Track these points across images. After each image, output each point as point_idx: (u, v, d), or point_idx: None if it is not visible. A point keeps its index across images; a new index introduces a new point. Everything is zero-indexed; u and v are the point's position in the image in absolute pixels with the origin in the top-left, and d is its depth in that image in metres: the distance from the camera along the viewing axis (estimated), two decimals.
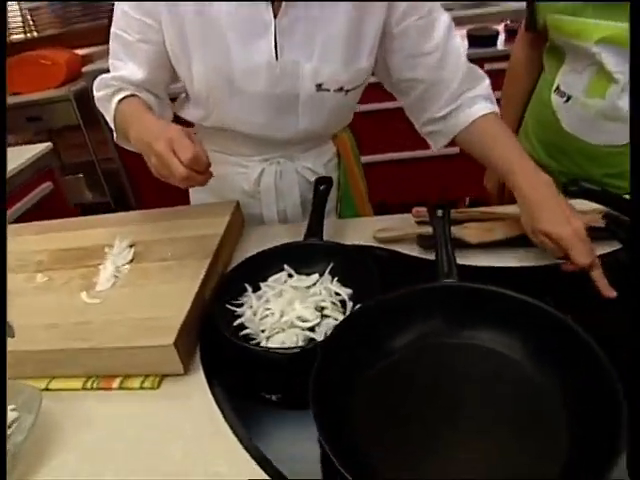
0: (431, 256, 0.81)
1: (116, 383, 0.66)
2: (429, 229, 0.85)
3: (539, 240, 0.72)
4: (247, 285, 0.78)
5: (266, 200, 1.00)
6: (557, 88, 0.98)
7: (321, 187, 0.92)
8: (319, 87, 0.83)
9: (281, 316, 0.70)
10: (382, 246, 0.87)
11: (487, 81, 0.89)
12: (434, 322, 0.63)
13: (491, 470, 0.50)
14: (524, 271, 0.76)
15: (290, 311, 0.71)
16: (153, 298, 0.72)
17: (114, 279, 0.78)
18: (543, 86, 1.05)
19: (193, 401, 0.63)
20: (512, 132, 0.91)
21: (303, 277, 0.79)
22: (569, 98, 0.95)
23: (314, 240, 0.82)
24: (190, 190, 1.14)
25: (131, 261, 0.82)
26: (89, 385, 0.66)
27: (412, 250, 0.85)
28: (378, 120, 2.12)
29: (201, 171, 0.64)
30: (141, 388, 0.65)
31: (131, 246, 0.86)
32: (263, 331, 0.69)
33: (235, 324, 0.71)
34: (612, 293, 0.66)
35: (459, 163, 2.73)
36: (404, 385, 0.60)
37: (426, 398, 0.58)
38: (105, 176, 2.64)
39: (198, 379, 0.66)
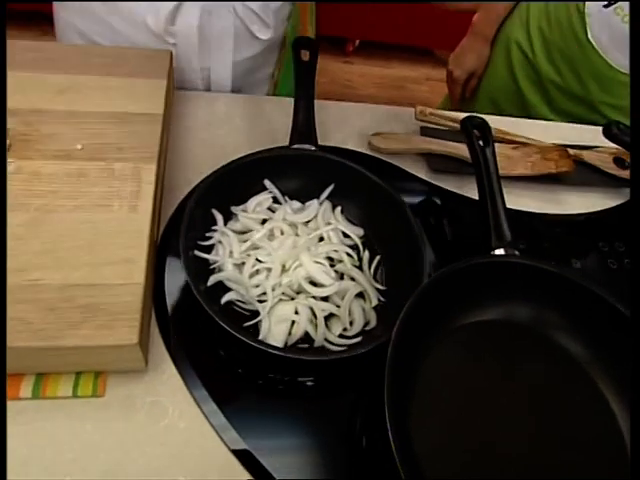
0: (445, 182, 0.65)
1: (26, 388, 0.40)
2: (438, 144, 0.67)
3: None
4: (216, 212, 0.52)
5: (183, 49, 0.66)
6: None
7: (303, 54, 0.63)
8: None
9: (281, 273, 0.49)
10: (379, 157, 0.66)
11: None
12: (501, 304, 0.50)
13: None
14: (544, 219, 0.65)
15: (295, 266, 0.49)
16: (72, 241, 0.43)
17: None
18: None
19: (171, 416, 0.42)
20: None
21: (296, 204, 0.56)
22: (611, 2, 0.76)
23: (306, 147, 0.57)
24: (56, 6, 0.71)
25: (6, 151, 0.48)
26: None
27: (417, 168, 0.67)
28: None
29: None
30: (75, 396, 0.41)
31: None
32: (261, 299, 0.47)
33: (209, 284, 0.48)
34: None
35: None
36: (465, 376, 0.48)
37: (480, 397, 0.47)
38: None
39: (163, 371, 0.44)
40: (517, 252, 0.51)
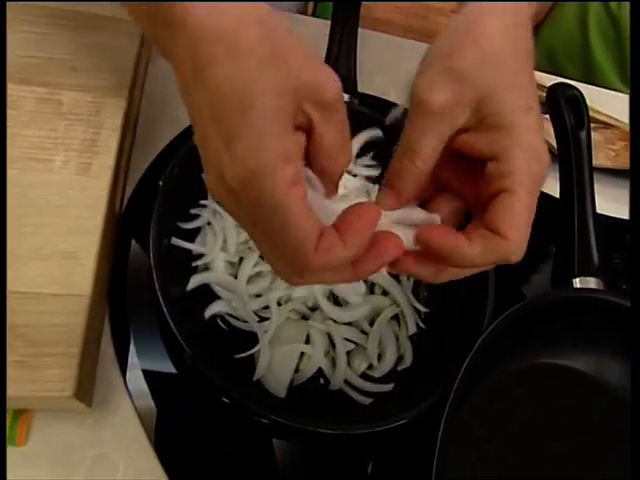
0: None
1: None
2: None
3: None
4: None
5: None
6: None
7: None
8: None
9: None
10: None
11: None
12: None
13: None
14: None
15: None
16: None
17: None
18: None
19: (122, 476, 0.30)
20: None
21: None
22: None
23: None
24: None
25: None
26: None
27: None
28: None
29: None
30: None
31: None
32: (261, 316, 0.34)
33: (190, 287, 0.34)
34: None
35: None
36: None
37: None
38: None
39: (114, 410, 0.31)
40: (602, 282, 0.39)
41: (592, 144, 0.52)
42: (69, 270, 0.27)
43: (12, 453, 0.29)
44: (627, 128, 0.55)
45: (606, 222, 0.52)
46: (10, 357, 0.25)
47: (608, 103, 0.58)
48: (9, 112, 0.31)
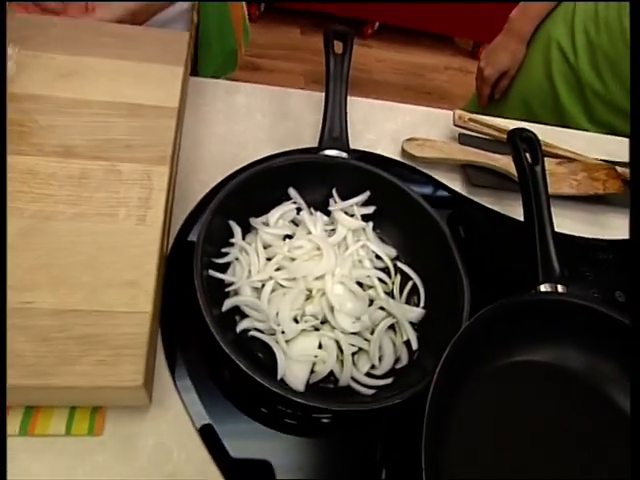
0: (482, 197, 0.60)
1: (13, 424, 0.35)
2: (479, 156, 0.61)
3: None
4: (234, 225, 0.46)
5: None
6: None
7: (336, 45, 0.56)
8: None
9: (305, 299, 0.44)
10: (412, 164, 0.60)
11: None
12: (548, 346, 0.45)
13: None
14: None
15: (321, 293, 0.44)
16: (70, 256, 0.37)
17: None
18: None
19: (176, 460, 0.37)
20: None
21: (319, 217, 0.50)
22: None
23: (337, 153, 0.51)
24: None
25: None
26: None
27: (452, 179, 0.61)
28: None
29: None
30: (68, 434, 0.36)
31: None
32: (283, 331, 0.42)
33: (224, 309, 0.42)
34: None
35: None
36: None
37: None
38: None
39: (168, 408, 0.39)
40: (564, 287, 0.46)
41: (556, 176, 0.61)
42: (134, 294, 0.36)
43: (91, 442, 0.36)
44: (588, 160, 0.63)
45: (578, 242, 0.60)
46: (94, 357, 0.33)
47: (571, 141, 0.67)
48: (82, 180, 0.42)
